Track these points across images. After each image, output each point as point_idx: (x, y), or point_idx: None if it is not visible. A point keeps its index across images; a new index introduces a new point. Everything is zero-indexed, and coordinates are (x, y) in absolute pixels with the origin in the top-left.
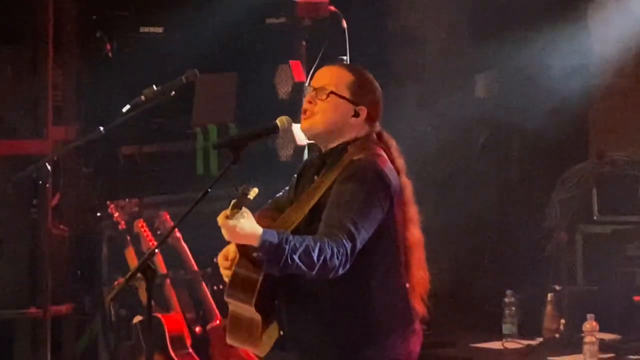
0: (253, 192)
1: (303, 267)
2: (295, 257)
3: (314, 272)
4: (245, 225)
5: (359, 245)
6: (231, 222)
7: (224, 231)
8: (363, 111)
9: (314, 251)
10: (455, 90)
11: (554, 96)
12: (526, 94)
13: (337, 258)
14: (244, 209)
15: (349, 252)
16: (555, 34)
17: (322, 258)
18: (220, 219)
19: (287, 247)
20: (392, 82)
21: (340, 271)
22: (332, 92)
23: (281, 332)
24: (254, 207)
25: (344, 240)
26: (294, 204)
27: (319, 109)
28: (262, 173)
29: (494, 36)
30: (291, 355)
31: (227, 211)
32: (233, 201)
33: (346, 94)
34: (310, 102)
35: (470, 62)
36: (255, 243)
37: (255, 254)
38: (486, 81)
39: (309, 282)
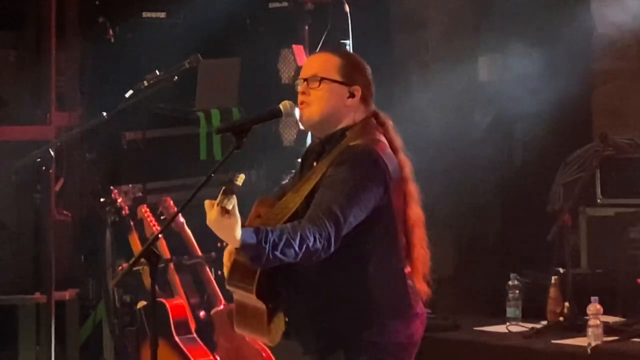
0: (240, 178)
1: (286, 259)
2: (277, 253)
3: (297, 260)
4: (224, 226)
5: (344, 230)
6: (214, 220)
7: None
8: (358, 91)
9: (294, 241)
10: (459, 74)
11: (556, 79)
12: (528, 77)
13: (319, 242)
14: (234, 207)
15: (332, 236)
16: (558, 17)
17: (304, 247)
18: (207, 209)
19: (266, 246)
20: (394, 66)
21: (323, 255)
22: (323, 78)
23: (286, 319)
24: (255, 191)
25: (328, 225)
26: (293, 190)
27: (314, 98)
28: (265, 157)
29: (496, 19)
30: (295, 343)
31: (215, 200)
32: (222, 188)
33: (337, 77)
34: (304, 93)
35: (474, 45)
36: (235, 245)
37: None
38: (489, 65)
39: (308, 269)
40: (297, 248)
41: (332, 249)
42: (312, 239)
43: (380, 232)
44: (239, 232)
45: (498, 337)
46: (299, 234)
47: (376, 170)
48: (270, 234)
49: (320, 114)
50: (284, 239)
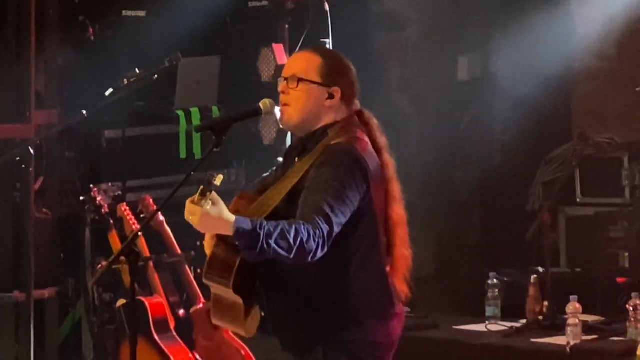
0: (218, 179)
1: (280, 251)
2: (272, 242)
3: (291, 256)
4: (213, 213)
5: (336, 229)
6: (198, 210)
7: (193, 222)
8: (337, 92)
9: (289, 234)
10: (438, 73)
11: (536, 79)
12: (508, 76)
13: (314, 240)
14: (213, 194)
15: (325, 234)
16: (538, 17)
17: (298, 240)
18: (187, 207)
19: (261, 232)
20: (374, 65)
21: (319, 254)
22: (301, 79)
23: (262, 314)
24: (235, 190)
25: (321, 223)
26: (273, 187)
27: (292, 98)
28: (245, 156)
29: (476, 19)
30: (272, 337)
31: (195, 197)
32: (200, 188)
33: (316, 78)
34: (283, 93)
35: (453, 44)
36: (228, 232)
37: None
38: (469, 64)
39: (287, 265)
40: (292, 241)
41: (326, 248)
42: (306, 235)
43: (362, 231)
44: (231, 216)
45: (477, 336)
46: (294, 227)
47: (359, 168)
48: (265, 222)
49: (298, 116)
50: (279, 230)
